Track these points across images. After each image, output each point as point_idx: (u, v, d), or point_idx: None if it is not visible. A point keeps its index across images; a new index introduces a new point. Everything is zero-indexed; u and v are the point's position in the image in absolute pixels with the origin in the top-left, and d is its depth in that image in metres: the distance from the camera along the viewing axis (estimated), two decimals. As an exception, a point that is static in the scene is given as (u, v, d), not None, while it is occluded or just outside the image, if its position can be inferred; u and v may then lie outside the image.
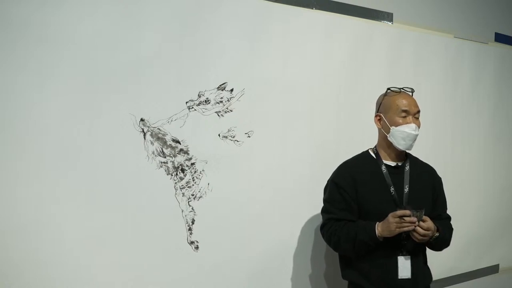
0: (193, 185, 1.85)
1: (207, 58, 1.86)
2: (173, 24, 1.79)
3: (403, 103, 1.75)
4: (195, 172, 1.85)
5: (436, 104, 2.58)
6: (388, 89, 1.82)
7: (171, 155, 1.80)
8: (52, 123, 1.58)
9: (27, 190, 1.54)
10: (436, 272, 1.95)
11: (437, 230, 1.73)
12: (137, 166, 1.73)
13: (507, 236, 2.99)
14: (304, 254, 2.14)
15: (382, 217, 1.69)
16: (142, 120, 1.74)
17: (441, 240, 1.77)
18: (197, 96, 1.85)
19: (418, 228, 1.66)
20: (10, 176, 1.52)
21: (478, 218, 2.80)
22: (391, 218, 1.65)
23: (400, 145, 1.75)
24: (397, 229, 1.65)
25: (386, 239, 1.69)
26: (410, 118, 1.75)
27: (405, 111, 1.75)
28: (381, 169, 1.79)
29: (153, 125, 1.76)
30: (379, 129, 1.82)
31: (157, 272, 1.78)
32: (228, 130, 1.92)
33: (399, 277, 1.72)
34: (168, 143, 1.79)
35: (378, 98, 1.86)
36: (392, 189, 1.76)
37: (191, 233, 1.85)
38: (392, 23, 2.41)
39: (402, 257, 1.73)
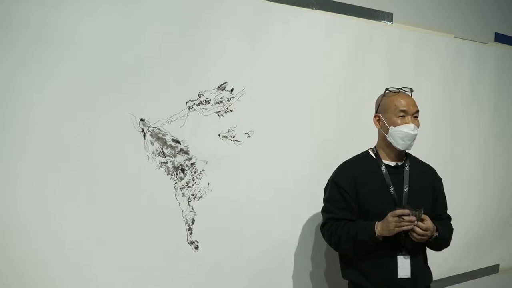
0: (193, 185, 1.85)
1: (207, 58, 1.86)
2: (173, 24, 1.79)
3: (401, 103, 1.76)
4: (195, 172, 1.85)
5: (436, 104, 2.58)
6: (387, 89, 1.83)
7: (171, 155, 1.80)
8: (52, 123, 1.58)
9: (27, 190, 1.54)
10: (436, 272, 1.95)
11: (437, 230, 1.74)
12: (137, 166, 1.73)
13: (507, 236, 2.99)
14: (304, 254, 2.14)
15: (382, 217, 1.69)
16: (142, 120, 1.74)
17: (441, 240, 1.77)
18: (197, 96, 1.85)
19: (416, 228, 1.66)
20: (10, 176, 1.52)
21: (478, 218, 2.80)
22: (390, 217, 1.65)
23: (399, 145, 1.75)
24: (396, 228, 1.65)
25: (385, 238, 1.69)
26: (408, 118, 1.75)
27: (403, 111, 1.75)
28: (380, 169, 1.79)
29: (153, 125, 1.76)
30: (379, 130, 1.83)
31: (157, 272, 1.78)
32: (228, 130, 1.92)
33: (399, 277, 1.72)
34: (168, 143, 1.79)
35: (377, 99, 1.86)
36: (391, 188, 1.77)
37: (191, 233, 1.85)
38: (392, 23, 2.41)
39: (401, 256, 1.73)
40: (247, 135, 1.97)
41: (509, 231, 3.00)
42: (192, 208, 1.85)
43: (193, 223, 1.85)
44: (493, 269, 2.93)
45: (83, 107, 1.63)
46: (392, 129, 1.75)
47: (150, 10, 1.74)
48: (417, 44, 2.49)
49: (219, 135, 1.90)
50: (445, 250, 1.88)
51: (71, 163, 1.61)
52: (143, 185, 1.74)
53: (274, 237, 2.04)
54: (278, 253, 2.07)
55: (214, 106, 1.89)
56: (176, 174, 1.81)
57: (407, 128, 1.74)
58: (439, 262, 2.28)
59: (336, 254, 1.91)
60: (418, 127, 1.77)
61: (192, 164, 1.85)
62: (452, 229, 1.88)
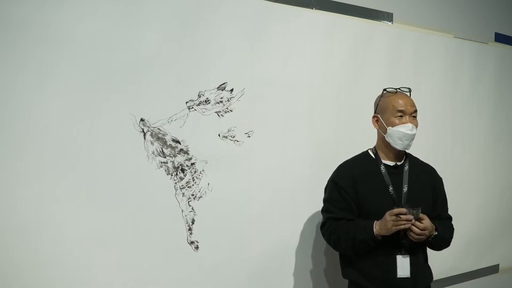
0: (193, 185, 1.85)
1: (207, 58, 1.86)
2: (173, 24, 1.79)
3: (399, 103, 1.76)
4: (195, 172, 1.85)
5: (436, 104, 2.58)
6: (385, 89, 1.83)
7: (171, 155, 1.80)
8: (52, 123, 1.58)
9: (27, 190, 1.54)
10: (436, 272, 1.95)
11: (436, 230, 1.74)
12: (137, 166, 1.73)
13: (507, 236, 2.99)
14: (304, 254, 2.14)
15: (381, 216, 1.69)
16: (142, 120, 1.74)
17: (440, 240, 1.77)
18: (197, 96, 1.85)
19: (414, 227, 1.66)
20: (10, 176, 1.52)
21: (478, 218, 2.80)
22: (388, 216, 1.66)
23: (397, 145, 1.76)
24: (394, 227, 1.65)
25: (384, 238, 1.70)
26: (406, 118, 1.76)
27: (401, 111, 1.75)
28: (380, 169, 1.80)
29: (153, 125, 1.76)
30: (377, 130, 1.83)
31: (157, 272, 1.78)
32: (228, 130, 1.92)
33: (398, 276, 1.72)
34: (168, 143, 1.80)
35: (376, 99, 1.87)
36: (390, 188, 1.77)
37: (191, 233, 1.85)
38: (392, 23, 2.41)
39: (400, 256, 1.74)
40: (247, 135, 1.97)
41: (509, 231, 3.00)
42: (192, 208, 1.85)
43: (193, 223, 1.85)
44: (493, 269, 2.93)
45: (83, 107, 1.63)
46: (390, 129, 1.76)
47: (150, 10, 1.74)
48: (417, 44, 2.49)
49: (219, 135, 1.90)
50: (445, 250, 1.88)
51: (71, 163, 1.61)
52: (143, 185, 1.74)
53: (274, 237, 2.04)
54: (278, 253, 2.07)
55: (214, 106, 1.89)
56: (176, 174, 1.81)
57: (405, 128, 1.74)
58: (439, 262, 2.28)
59: (336, 254, 1.91)
60: (416, 127, 1.77)
61: (192, 164, 1.85)
62: (453, 229, 1.88)
